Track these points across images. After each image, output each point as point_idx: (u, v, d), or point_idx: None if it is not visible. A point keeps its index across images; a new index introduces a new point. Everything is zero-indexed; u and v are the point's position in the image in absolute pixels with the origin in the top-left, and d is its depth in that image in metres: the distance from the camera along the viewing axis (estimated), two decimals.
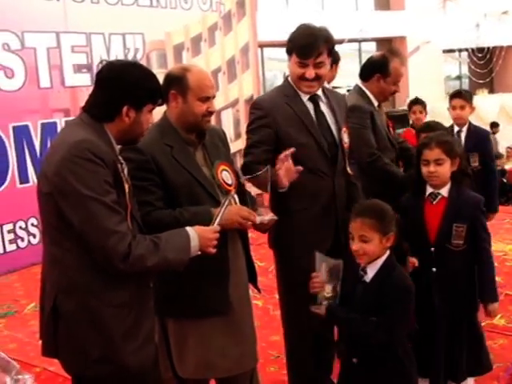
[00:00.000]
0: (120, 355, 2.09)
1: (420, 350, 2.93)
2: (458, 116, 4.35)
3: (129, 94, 2.11)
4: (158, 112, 2.47)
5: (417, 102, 5.71)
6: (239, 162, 3.15)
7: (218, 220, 2.30)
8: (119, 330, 2.09)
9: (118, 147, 2.21)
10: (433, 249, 2.94)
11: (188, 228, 2.19)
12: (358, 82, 3.78)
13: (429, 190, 2.98)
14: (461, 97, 4.39)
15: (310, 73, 2.90)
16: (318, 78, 2.94)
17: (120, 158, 2.20)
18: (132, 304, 2.12)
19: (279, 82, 3.19)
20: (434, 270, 2.95)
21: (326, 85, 4.13)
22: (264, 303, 4.47)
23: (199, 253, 2.20)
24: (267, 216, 2.58)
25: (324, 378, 3.32)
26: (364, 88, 3.68)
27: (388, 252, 2.52)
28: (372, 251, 2.47)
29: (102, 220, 1.98)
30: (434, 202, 2.96)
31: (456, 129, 4.39)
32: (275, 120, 2.93)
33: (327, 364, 3.34)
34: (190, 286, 2.51)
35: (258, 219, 2.53)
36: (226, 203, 2.34)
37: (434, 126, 3.74)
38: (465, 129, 4.39)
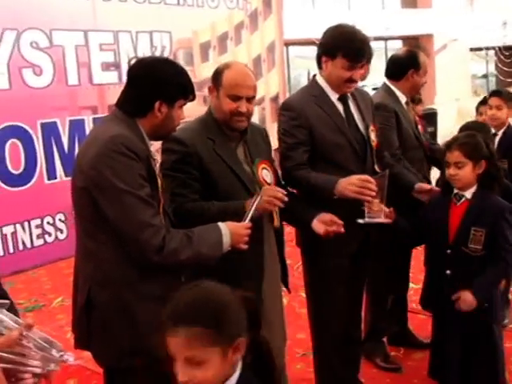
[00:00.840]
0: (151, 347, 2.10)
1: (441, 354, 2.92)
2: (492, 116, 4.12)
3: (161, 90, 2.14)
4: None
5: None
6: None
7: (249, 216, 2.29)
8: (152, 322, 2.10)
9: (150, 142, 2.23)
10: (449, 251, 2.89)
11: (220, 224, 2.20)
12: (386, 80, 3.75)
13: (455, 190, 2.94)
14: (499, 96, 4.18)
15: (357, 75, 2.89)
16: (359, 81, 2.94)
17: (153, 153, 2.22)
18: (164, 298, 2.14)
19: (304, 80, 3.18)
20: (449, 272, 2.89)
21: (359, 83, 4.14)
22: (290, 301, 4.46)
23: (229, 248, 2.21)
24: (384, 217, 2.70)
25: (351, 377, 3.32)
26: (392, 86, 3.65)
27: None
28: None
29: (136, 213, 2.00)
30: (458, 204, 2.91)
31: (492, 131, 4.06)
32: (308, 120, 2.90)
33: (355, 363, 3.33)
34: (223, 280, 2.51)
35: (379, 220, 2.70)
36: (258, 199, 2.33)
37: (472, 127, 3.55)
38: (501, 132, 4.14)
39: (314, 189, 2.85)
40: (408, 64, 3.63)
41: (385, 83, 3.72)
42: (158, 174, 2.21)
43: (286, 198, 2.44)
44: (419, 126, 3.74)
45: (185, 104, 2.23)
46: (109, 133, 2.07)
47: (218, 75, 2.57)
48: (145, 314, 2.10)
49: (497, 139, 4.08)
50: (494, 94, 4.30)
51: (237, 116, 2.55)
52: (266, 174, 2.64)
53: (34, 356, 1.49)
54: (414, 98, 4.41)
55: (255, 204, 2.31)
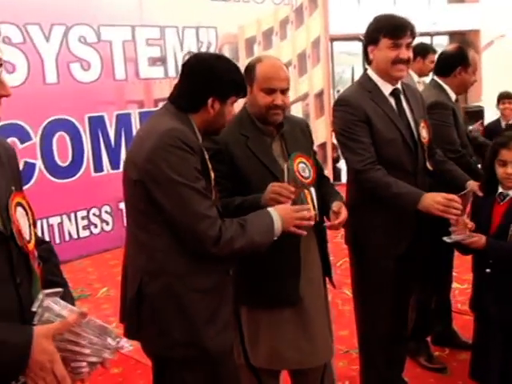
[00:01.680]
0: (202, 339, 2.14)
1: (483, 356, 2.88)
2: None
3: (215, 86, 2.15)
4: None
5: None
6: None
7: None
8: (202, 314, 2.14)
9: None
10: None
11: (270, 209, 2.21)
12: (435, 77, 3.71)
13: (500, 189, 2.87)
14: None
15: (404, 53, 2.84)
16: (409, 61, 2.89)
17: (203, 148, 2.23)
18: (214, 290, 2.17)
19: (346, 76, 3.17)
20: (488, 271, 2.82)
21: (416, 78, 4.10)
22: (333, 298, 4.44)
23: (279, 234, 2.22)
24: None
25: (396, 376, 3.30)
26: (442, 83, 3.61)
27: None
28: None
29: (193, 205, 2.03)
30: (502, 203, 2.84)
31: None
32: (366, 115, 2.87)
33: (399, 362, 3.31)
34: (262, 275, 2.53)
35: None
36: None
37: None
38: None
39: (394, 197, 2.80)
40: (456, 61, 3.58)
41: (434, 80, 3.68)
42: (211, 167, 2.22)
43: (292, 196, 2.40)
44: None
45: (236, 101, 2.25)
46: (164, 126, 2.09)
47: (250, 70, 2.56)
48: (196, 306, 2.13)
49: None
50: None
51: (273, 109, 2.54)
52: (303, 168, 2.58)
53: (89, 345, 1.51)
54: None
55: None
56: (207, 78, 2.15)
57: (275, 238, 2.20)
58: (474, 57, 3.62)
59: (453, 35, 18.06)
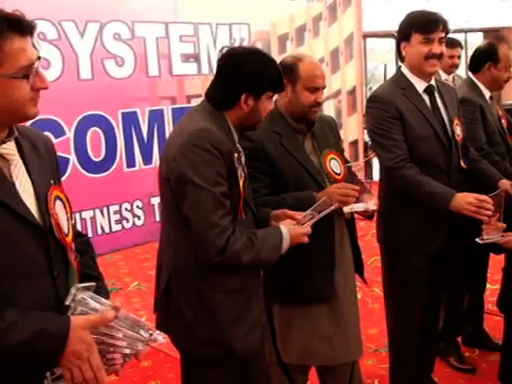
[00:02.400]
0: (227, 339, 2.14)
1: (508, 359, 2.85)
2: None
3: (248, 82, 2.13)
4: None
5: None
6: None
7: (313, 221, 2.26)
8: (228, 315, 2.14)
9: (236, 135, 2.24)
10: None
11: (283, 228, 2.18)
12: (470, 74, 3.68)
13: None
14: None
15: (436, 48, 2.83)
16: (441, 56, 2.88)
17: (238, 146, 2.23)
18: (242, 290, 2.17)
19: (378, 73, 3.16)
20: None
21: (444, 76, 4.07)
22: (363, 296, 4.45)
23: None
24: (371, 203, 2.54)
25: (425, 375, 3.28)
26: (475, 80, 3.58)
27: None
28: None
29: (207, 211, 2.01)
30: None
31: None
32: (399, 112, 2.86)
33: (429, 362, 3.29)
34: (296, 272, 2.54)
35: (362, 206, 2.52)
36: (327, 208, 2.27)
37: None
38: None
39: (426, 196, 2.79)
40: (485, 56, 3.54)
41: (469, 77, 3.66)
42: (243, 167, 2.21)
43: (357, 194, 2.42)
44: (503, 121, 3.64)
45: (273, 96, 2.23)
46: (195, 126, 2.09)
47: (291, 69, 2.55)
48: (222, 306, 2.13)
49: None
50: None
51: (315, 107, 2.57)
52: (334, 164, 2.62)
53: (123, 337, 1.54)
54: None
55: (325, 212, 2.26)
56: (239, 73, 2.13)
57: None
58: (506, 53, 3.56)
59: (487, 32, 17.79)
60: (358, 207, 2.53)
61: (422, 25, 2.83)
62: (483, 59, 3.54)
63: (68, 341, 1.46)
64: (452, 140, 2.94)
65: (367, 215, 2.69)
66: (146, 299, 4.52)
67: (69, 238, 1.65)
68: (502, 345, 3.09)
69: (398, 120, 2.86)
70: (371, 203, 2.53)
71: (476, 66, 3.58)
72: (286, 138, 2.57)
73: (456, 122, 2.97)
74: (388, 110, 2.87)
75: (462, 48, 4.77)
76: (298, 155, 2.56)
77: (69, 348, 1.46)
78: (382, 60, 14.88)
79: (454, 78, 4.12)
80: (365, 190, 2.54)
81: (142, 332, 1.58)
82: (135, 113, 6.13)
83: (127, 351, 1.56)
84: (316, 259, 2.54)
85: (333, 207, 2.28)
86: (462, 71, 5.25)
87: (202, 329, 2.15)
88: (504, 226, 2.71)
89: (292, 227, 2.19)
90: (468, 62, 3.77)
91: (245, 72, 2.12)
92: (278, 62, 2.67)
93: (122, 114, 6.05)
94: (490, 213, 2.65)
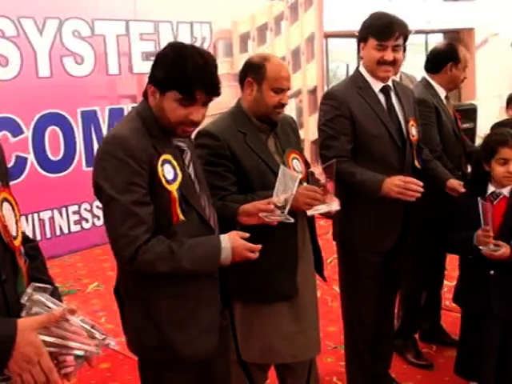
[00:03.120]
0: (174, 345, 2.09)
1: (471, 352, 2.90)
2: None
3: (154, 73, 2.02)
4: None
5: None
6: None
7: (288, 207, 2.26)
8: (172, 320, 2.09)
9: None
10: None
11: (223, 238, 2.07)
12: (425, 74, 3.72)
13: (490, 188, 2.87)
14: None
15: (389, 55, 2.87)
16: (395, 63, 2.91)
17: (181, 144, 2.13)
18: (187, 295, 2.10)
19: (342, 72, 3.19)
20: (492, 272, 2.82)
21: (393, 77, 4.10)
22: (322, 294, 4.47)
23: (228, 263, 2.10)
24: (334, 204, 2.54)
25: (382, 372, 3.32)
26: (431, 80, 3.61)
27: None
28: None
29: (115, 221, 1.95)
30: (495, 202, 2.84)
31: None
32: (350, 110, 2.90)
33: (386, 358, 3.33)
34: (259, 271, 2.53)
35: (326, 208, 2.53)
36: (295, 189, 2.28)
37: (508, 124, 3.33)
38: None
39: (359, 185, 2.83)
40: (447, 56, 3.59)
41: (424, 77, 3.69)
42: (184, 167, 2.12)
43: (321, 199, 2.43)
44: (458, 121, 3.70)
45: (180, 99, 1.98)
46: (112, 132, 2.04)
47: (258, 68, 2.55)
48: (166, 311, 2.08)
49: None
50: None
51: (278, 108, 2.57)
52: (296, 163, 2.64)
53: (76, 339, 1.50)
54: None
55: (292, 195, 2.25)
56: (153, 64, 2.05)
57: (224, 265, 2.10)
58: (465, 54, 3.63)
59: (447, 33, 18.07)
60: (322, 209, 2.53)
61: (376, 31, 2.87)
62: (444, 59, 3.58)
63: (15, 344, 1.41)
64: (407, 140, 2.97)
65: (329, 215, 2.71)
66: (106, 300, 4.47)
67: (17, 242, 1.60)
68: (459, 338, 3.14)
69: (347, 119, 2.89)
70: (334, 204, 2.53)
71: (436, 66, 3.62)
72: (250, 137, 2.57)
73: (411, 122, 3.01)
74: (339, 108, 2.91)
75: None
76: (263, 154, 2.57)
77: (17, 351, 1.41)
78: (344, 60, 14.99)
79: (400, 77, 4.15)
80: (327, 192, 2.56)
81: (97, 335, 1.56)
82: (95, 111, 6.07)
83: (80, 353, 1.53)
84: (279, 258, 2.55)
85: (296, 188, 2.27)
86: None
87: (149, 334, 2.10)
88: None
89: (235, 238, 2.08)
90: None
91: (156, 63, 2.04)
92: (244, 61, 2.68)
93: (82, 112, 5.99)
94: (417, 194, 2.69)
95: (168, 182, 2.02)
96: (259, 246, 2.09)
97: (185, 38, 6.64)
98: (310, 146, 8.08)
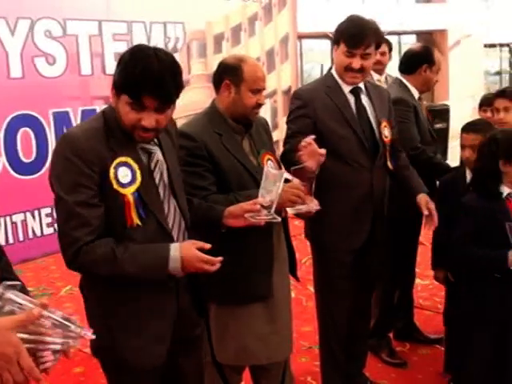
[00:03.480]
0: (121, 350, 2.07)
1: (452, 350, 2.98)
2: (501, 121, 3.53)
3: (115, 76, 1.98)
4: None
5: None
6: (277, 152, 3.13)
7: (274, 206, 2.25)
8: (123, 325, 2.07)
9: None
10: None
11: (173, 247, 2.01)
12: (399, 75, 3.75)
13: (505, 190, 2.78)
14: (505, 96, 3.59)
15: (357, 63, 2.89)
16: (363, 70, 2.93)
17: (147, 146, 2.08)
18: (139, 302, 2.07)
19: (317, 73, 3.21)
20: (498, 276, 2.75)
21: (376, 77, 4.13)
22: (297, 294, 4.48)
23: (182, 273, 2.03)
24: (313, 204, 2.55)
25: (356, 371, 3.33)
26: (405, 81, 3.65)
27: None
28: None
29: (61, 220, 1.96)
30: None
31: None
32: (314, 110, 2.92)
33: (360, 358, 3.35)
34: (235, 272, 2.52)
35: (306, 208, 2.53)
36: (281, 186, 2.28)
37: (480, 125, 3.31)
38: None
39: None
40: (422, 58, 3.63)
41: (398, 78, 3.72)
42: (145, 171, 2.06)
43: (304, 197, 2.44)
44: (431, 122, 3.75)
45: (130, 103, 1.92)
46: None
47: (235, 70, 2.55)
48: (118, 315, 2.06)
49: None
50: (499, 94, 3.68)
51: (257, 108, 2.58)
52: (270, 164, 2.64)
53: (52, 333, 1.48)
54: None
55: (279, 192, 2.25)
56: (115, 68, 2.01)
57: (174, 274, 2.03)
58: (439, 57, 3.68)
59: (420, 35, 18.25)
60: (303, 208, 2.53)
61: (347, 37, 2.88)
62: (419, 61, 3.62)
63: None
64: (379, 141, 2.99)
65: (306, 216, 2.72)
66: (79, 304, 4.34)
67: None
68: (447, 337, 3.18)
69: (310, 118, 2.92)
70: (314, 204, 2.55)
71: (410, 67, 3.65)
72: (226, 138, 2.57)
73: (384, 123, 3.02)
74: (303, 107, 2.94)
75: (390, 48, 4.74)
76: (239, 155, 2.57)
77: None
78: (319, 61, 15.07)
79: (386, 78, 4.17)
80: (305, 192, 2.57)
81: (73, 327, 1.54)
82: (67, 113, 6.01)
83: (57, 347, 1.50)
84: (255, 259, 2.55)
85: (281, 185, 2.26)
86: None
87: (100, 335, 2.09)
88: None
89: (189, 249, 2.01)
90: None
91: (117, 66, 1.98)
92: (218, 62, 2.67)
93: (54, 113, 5.92)
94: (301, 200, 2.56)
95: (122, 184, 1.98)
96: (218, 259, 2.02)
97: (158, 39, 6.62)
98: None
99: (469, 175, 3.10)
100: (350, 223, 2.98)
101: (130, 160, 2.00)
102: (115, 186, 1.97)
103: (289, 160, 2.78)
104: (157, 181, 2.09)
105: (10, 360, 1.40)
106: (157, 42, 6.53)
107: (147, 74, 1.88)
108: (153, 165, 2.09)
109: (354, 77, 2.94)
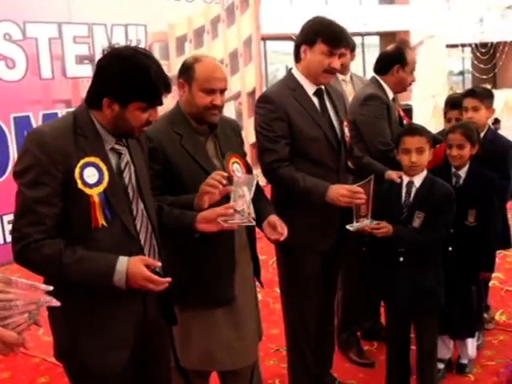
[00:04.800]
0: (82, 353, 2.06)
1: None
2: (469, 120, 3.53)
3: (110, 87, 1.97)
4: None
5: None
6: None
7: (251, 209, 2.26)
8: (84, 328, 2.04)
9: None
10: None
11: (121, 260, 1.97)
12: (375, 75, 3.77)
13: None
14: (474, 96, 3.61)
15: (337, 63, 2.89)
16: (337, 71, 2.94)
17: (117, 147, 2.09)
18: (103, 307, 2.05)
19: (282, 74, 3.18)
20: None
21: (341, 76, 4.14)
22: (264, 296, 4.46)
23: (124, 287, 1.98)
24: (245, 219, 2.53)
25: (324, 372, 3.33)
26: (381, 81, 3.68)
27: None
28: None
29: (17, 213, 1.97)
30: None
31: None
32: (287, 113, 2.89)
33: (327, 358, 3.35)
34: (196, 276, 2.50)
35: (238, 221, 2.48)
36: (253, 190, 2.27)
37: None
38: (481, 136, 3.50)
39: (303, 192, 2.83)
40: (394, 59, 3.66)
41: (374, 77, 3.75)
42: (117, 171, 2.07)
43: (224, 181, 2.35)
44: (404, 122, 3.78)
45: (146, 107, 2.02)
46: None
47: (188, 69, 2.53)
48: (79, 318, 2.04)
49: None
50: (468, 94, 3.70)
51: (211, 109, 2.53)
52: (236, 168, 2.61)
53: (21, 296, 1.52)
54: None
55: (252, 190, 2.29)
56: (102, 76, 2.00)
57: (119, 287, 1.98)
58: (413, 57, 3.70)
59: (383, 35, 18.45)
60: (235, 223, 2.52)
61: (330, 37, 2.86)
62: (392, 62, 3.66)
63: None
64: (341, 141, 3.00)
65: None
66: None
67: None
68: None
69: (284, 122, 2.89)
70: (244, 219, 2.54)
71: (384, 68, 3.69)
72: (186, 139, 2.53)
73: (345, 123, 3.04)
74: (276, 111, 2.89)
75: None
76: (199, 157, 2.53)
77: None
78: (284, 62, 15.12)
79: (351, 78, 4.19)
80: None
81: (41, 287, 1.56)
82: (28, 117, 5.88)
83: (31, 307, 1.53)
84: (216, 263, 2.52)
85: (254, 188, 2.26)
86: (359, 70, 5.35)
87: (62, 338, 2.09)
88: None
89: (136, 266, 1.96)
90: (373, 63, 3.86)
91: (107, 76, 1.99)
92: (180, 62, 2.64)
93: (14, 118, 5.78)
94: (363, 201, 2.75)
95: (88, 185, 1.98)
96: (166, 280, 1.99)
97: (119, 41, 6.53)
98: (249, 148, 8.07)
99: (418, 182, 3.04)
100: (320, 226, 2.97)
101: (97, 160, 2.00)
102: (80, 185, 1.96)
103: (288, 175, 2.84)
104: (126, 182, 2.08)
105: None
106: (118, 44, 6.45)
107: (159, 74, 2.00)
108: (123, 165, 2.09)
109: (329, 77, 2.95)
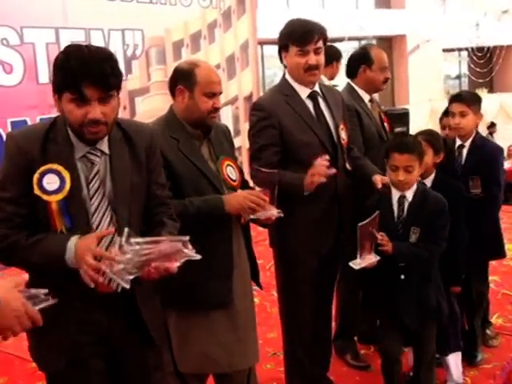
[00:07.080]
0: (35, 351, 2.13)
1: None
2: (457, 125, 3.44)
3: (53, 81, 1.95)
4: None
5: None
6: (239, 158, 3.13)
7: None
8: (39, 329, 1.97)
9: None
10: None
11: (73, 238, 1.93)
12: (348, 80, 3.75)
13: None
14: (461, 101, 3.45)
15: (312, 59, 2.90)
16: (319, 66, 2.94)
17: (92, 154, 2.04)
18: (70, 318, 2.03)
19: (278, 79, 3.20)
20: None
21: (327, 82, 4.15)
22: (261, 300, 4.47)
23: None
24: (274, 211, 2.56)
25: (321, 375, 3.33)
26: (353, 85, 3.65)
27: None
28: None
29: None
30: None
31: (458, 143, 3.51)
32: (278, 120, 2.91)
33: (324, 362, 3.35)
34: (193, 278, 2.50)
35: (263, 215, 2.53)
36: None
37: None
38: (469, 142, 3.47)
39: (282, 187, 2.82)
40: (359, 60, 3.63)
41: (348, 83, 3.73)
42: (84, 180, 2.03)
43: (263, 204, 2.48)
44: (385, 124, 3.71)
45: (75, 100, 1.89)
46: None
47: (188, 75, 2.54)
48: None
49: (464, 151, 3.50)
50: (454, 99, 3.53)
51: (213, 113, 2.57)
52: (230, 171, 2.64)
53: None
54: None
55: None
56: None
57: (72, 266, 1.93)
58: (378, 53, 3.64)
59: (380, 40, 18.47)
60: (262, 215, 2.54)
61: (296, 37, 2.89)
62: (357, 63, 3.63)
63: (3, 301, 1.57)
64: (338, 144, 3.00)
65: (264, 224, 2.72)
66: None
67: None
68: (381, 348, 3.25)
69: (275, 129, 2.91)
70: (274, 211, 2.56)
71: (352, 70, 3.67)
72: (183, 144, 2.55)
73: (341, 126, 3.04)
74: (267, 118, 2.92)
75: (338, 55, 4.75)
76: (196, 160, 2.55)
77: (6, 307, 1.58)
78: (281, 66, 15.11)
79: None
80: (268, 200, 2.58)
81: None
82: (25, 122, 5.89)
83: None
84: (214, 266, 2.53)
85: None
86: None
87: (29, 335, 2.11)
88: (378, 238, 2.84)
89: (85, 243, 1.90)
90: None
91: (53, 71, 1.96)
92: (173, 68, 2.65)
93: (12, 123, 5.79)
94: (322, 179, 2.78)
95: (46, 191, 1.96)
96: (112, 256, 1.87)
97: (116, 46, 6.54)
98: (246, 152, 8.08)
99: (410, 196, 2.94)
100: (317, 229, 2.98)
101: (61, 168, 1.97)
102: (36, 191, 1.96)
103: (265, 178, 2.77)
104: (91, 192, 2.03)
105: (20, 312, 1.61)
106: (115, 49, 6.46)
107: (81, 62, 1.86)
108: (92, 175, 2.04)
109: (313, 74, 2.95)
